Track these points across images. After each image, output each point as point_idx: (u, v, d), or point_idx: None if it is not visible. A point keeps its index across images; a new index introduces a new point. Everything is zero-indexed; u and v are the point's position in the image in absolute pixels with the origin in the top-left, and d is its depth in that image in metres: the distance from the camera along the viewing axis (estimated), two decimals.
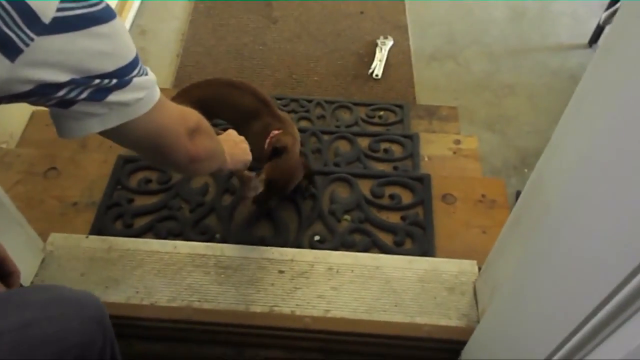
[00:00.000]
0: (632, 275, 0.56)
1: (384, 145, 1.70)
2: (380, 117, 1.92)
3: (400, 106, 1.97)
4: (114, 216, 1.40)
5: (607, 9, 2.17)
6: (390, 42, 2.32)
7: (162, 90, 0.66)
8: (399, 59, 2.30)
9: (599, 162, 0.70)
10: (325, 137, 1.73)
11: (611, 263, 0.62)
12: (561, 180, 0.81)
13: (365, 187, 1.49)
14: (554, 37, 2.37)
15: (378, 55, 2.27)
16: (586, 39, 2.32)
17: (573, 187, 0.77)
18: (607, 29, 2.20)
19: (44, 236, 1.27)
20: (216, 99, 1.45)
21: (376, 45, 2.31)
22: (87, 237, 1.29)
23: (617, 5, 2.09)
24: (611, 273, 0.60)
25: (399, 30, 2.41)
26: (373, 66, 2.23)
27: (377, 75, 2.21)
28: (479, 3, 2.51)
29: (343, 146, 1.71)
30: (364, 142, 1.71)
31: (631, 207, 0.59)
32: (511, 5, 2.50)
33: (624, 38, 0.64)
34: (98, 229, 1.37)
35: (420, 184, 1.48)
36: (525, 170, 1.93)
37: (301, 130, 1.74)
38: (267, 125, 1.38)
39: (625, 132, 0.63)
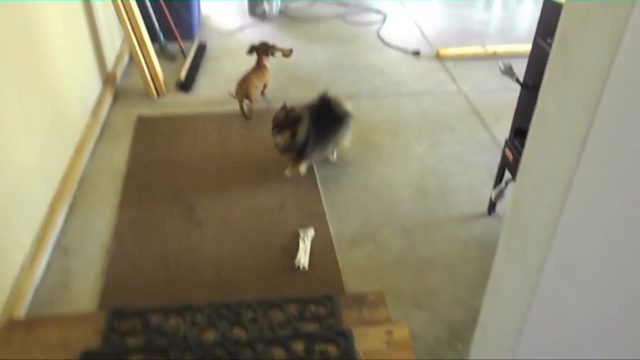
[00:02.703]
0: None
1: (319, 347, 1.71)
2: (311, 312, 1.96)
3: (329, 298, 2.02)
4: None
5: (495, 185, 2.47)
6: (311, 233, 2.46)
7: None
8: (322, 247, 2.42)
9: None
10: (260, 347, 1.72)
11: None
12: None
13: None
14: (457, 208, 2.62)
15: (302, 246, 2.38)
16: (484, 207, 2.59)
17: None
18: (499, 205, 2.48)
19: None
20: None
21: (299, 236, 2.44)
22: None
23: (502, 184, 2.39)
24: None
25: (318, 218, 2.58)
26: (298, 258, 2.33)
27: (304, 267, 2.29)
28: (386, 186, 2.77)
29: (279, 353, 1.70)
30: (298, 346, 1.72)
31: None
32: (415, 184, 2.78)
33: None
34: None
35: None
36: (458, 344, 1.99)
37: (235, 343, 1.73)
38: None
39: None
